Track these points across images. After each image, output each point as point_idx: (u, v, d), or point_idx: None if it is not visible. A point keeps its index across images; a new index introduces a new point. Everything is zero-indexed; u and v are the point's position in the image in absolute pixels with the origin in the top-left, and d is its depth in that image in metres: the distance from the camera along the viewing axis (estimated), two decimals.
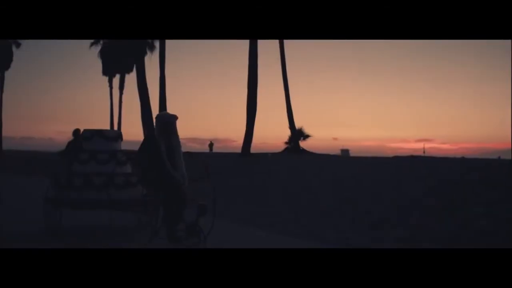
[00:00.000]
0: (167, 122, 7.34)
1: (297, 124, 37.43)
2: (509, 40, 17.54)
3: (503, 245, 7.38)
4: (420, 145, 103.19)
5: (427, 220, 9.92)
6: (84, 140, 9.72)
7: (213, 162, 19.61)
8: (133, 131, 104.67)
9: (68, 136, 12.17)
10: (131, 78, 50.39)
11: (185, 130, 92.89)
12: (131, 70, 45.98)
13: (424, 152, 46.94)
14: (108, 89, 55.59)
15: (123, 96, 54.18)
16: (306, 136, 38.02)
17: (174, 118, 7.43)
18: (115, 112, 55.14)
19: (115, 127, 54.24)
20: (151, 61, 34.28)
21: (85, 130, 9.79)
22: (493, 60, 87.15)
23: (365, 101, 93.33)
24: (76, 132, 11.99)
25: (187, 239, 7.05)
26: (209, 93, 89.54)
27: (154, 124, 7.43)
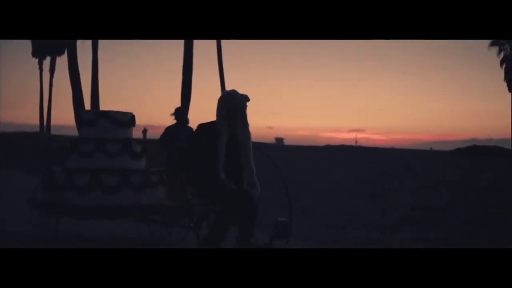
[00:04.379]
0: (235, 104, 5.24)
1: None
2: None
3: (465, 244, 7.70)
4: (352, 135, 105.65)
5: (353, 207, 10.24)
6: (85, 125, 7.34)
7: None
8: (63, 116, 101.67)
9: None
10: (62, 61, 49.11)
11: None
12: (63, 52, 44.66)
13: (356, 142, 48.17)
14: (38, 71, 53.97)
15: (54, 79, 52.69)
16: None
17: (245, 99, 5.33)
18: (45, 95, 53.56)
19: (45, 111, 52.73)
20: (83, 44, 33.23)
21: (86, 112, 7.42)
22: (425, 53, 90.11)
23: (300, 91, 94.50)
24: (179, 112, 8.14)
25: None
26: (143, 78, 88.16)
27: (217, 106, 5.35)
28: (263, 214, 5.33)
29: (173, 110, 8.12)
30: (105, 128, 7.07)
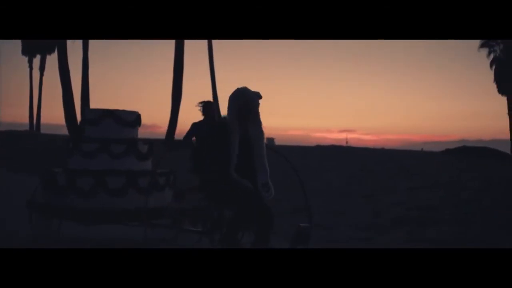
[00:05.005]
0: (247, 102, 4.98)
1: (223, 112, 37.51)
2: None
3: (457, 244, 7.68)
4: (343, 135, 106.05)
5: (345, 207, 10.22)
6: (88, 124, 6.88)
7: None
8: (53, 115, 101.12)
9: None
10: (52, 59, 48.88)
11: None
12: (53, 51, 44.41)
13: (346, 142, 48.34)
14: (28, 69, 53.68)
15: (44, 78, 52.40)
16: None
17: (257, 96, 5.09)
18: (35, 94, 53.26)
19: (35, 110, 52.43)
20: (74, 42, 33.02)
21: (89, 110, 6.93)
22: (417, 54, 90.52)
23: (291, 91, 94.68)
24: (207, 107, 7.53)
25: None
26: (134, 77, 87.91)
27: (228, 104, 5.09)
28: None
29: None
30: (110, 128, 6.71)
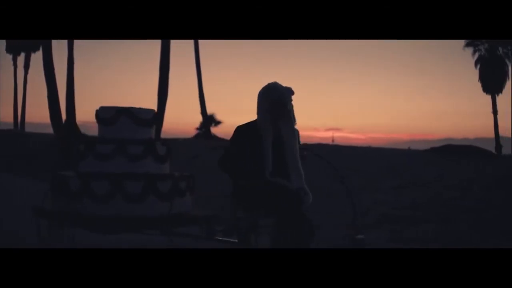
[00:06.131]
0: (279, 99, 4.58)
1: (209, 111, 37.61)
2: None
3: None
4: (329, 134, 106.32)
5: (329, 207, 10.22)
6: (102, 124, 6.29)
7: None
8: (38, 114, 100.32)
9: None
10: (37, 57, 48.56)
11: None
12: (38, 49, 44.10)
13: (333, 140, 48.52)
14: (12, 68, 53.30)
15: (28, 76, 52.01)
16: (217, 123, 38.17)
17: (290, 92, 4.65)
18: (19, 92, 52.85)
19: (19, 108, 52.02)
20: (59, 41, 32.76)
21: (103, 109, 6.30)
22: (404, 53, 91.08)
23: None
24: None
25: None
26: (119, 76, 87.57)
27: (258, 101, 4.66)
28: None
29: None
30: (126, 127, 6.11)
